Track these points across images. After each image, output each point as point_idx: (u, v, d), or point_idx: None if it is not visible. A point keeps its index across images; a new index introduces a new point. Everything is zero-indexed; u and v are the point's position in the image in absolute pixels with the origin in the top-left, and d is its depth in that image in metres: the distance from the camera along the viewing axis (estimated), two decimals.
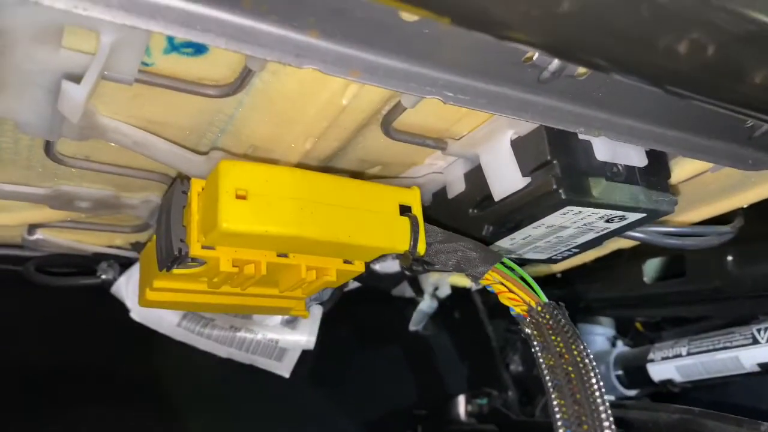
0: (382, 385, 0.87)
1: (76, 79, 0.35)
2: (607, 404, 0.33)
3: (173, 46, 0.36)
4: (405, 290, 0.86)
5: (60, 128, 0.40)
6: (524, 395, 0.90)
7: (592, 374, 0.34)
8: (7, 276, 0.67)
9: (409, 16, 0.31)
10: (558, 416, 0.33)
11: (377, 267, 0.72)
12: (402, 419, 0.87)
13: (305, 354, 0.69)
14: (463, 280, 0.88)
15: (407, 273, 0.76)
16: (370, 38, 0.32)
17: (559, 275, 0.84)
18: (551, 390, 0.34)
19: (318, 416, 0.80)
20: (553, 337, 0.36)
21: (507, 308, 0.98)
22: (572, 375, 0.34)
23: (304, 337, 0.66)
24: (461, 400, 0.88)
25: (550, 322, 0.37)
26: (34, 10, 0.29)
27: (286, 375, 0.68)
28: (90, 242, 0.63)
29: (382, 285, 0.82)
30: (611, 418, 0.32)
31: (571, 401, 0.33)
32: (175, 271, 0.43)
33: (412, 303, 0.89)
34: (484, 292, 0.93)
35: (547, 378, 0.35)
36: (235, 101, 0.40)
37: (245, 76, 0.37)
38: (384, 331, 0.90)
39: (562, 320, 0.37)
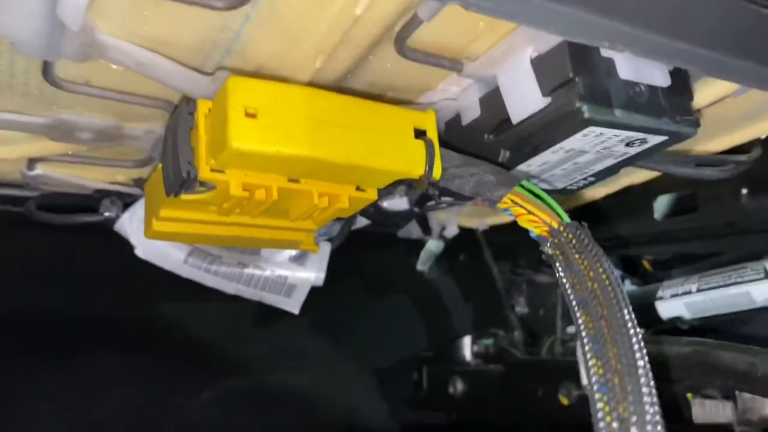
0: (387, 326, 0.87)
1: None
2: (635, 319, 0.32)
3: None
4: (412, 231, 0.85)
5: (58, 46, 0.38)
6: (530, 336, 0.90)
7: (618, 290, 0.33)
8: (8, 217, 0.66)
9: None
10: (584, 333, 0.32)
11: (386, 204, 0.71)
12: (407, 361, 0.88)
13: (313, 291, 0.69)
14: (470, 221, 0.88)
15: (415, 210, 0.75)
16: None
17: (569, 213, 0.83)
18: (576, 308, 0.33)
19: (324, 355, 0.80)
20: (576, 256, 0.35)
21: (512, 249, 0.97)
22: (598, 291, 0.33)
23: (312, 273, 0.66)
24: (467, 341, 0.88)
25: (573, 242, 0.36)
26: None
27: (296, 311, 0.68)
28: (91, 178, 0.61)
29: (390, 223, 0.81)
30: (639, 333, 0.31)
31: (598, 317, 0.32)
32: (183, 197, 0.42)
33: (419, 245, 0.88)
34: (490, 233, 0.92)
35: (571, 297, 0.34)
36: (241, 15, 0.38)
37: None
38: (390, 272, 0.89)
39: (586, 239, 0.36)
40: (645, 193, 0.75)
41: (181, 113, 0.40)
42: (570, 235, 0.37)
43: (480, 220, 0.88)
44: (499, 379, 0.83)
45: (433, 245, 0.84)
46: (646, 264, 0.89)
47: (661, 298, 0.78)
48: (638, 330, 0.32)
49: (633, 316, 0.33)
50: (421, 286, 0.91)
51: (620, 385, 0.31)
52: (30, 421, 0.66)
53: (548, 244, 0.37)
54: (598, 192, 0.76)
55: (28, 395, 0.66)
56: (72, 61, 0.41)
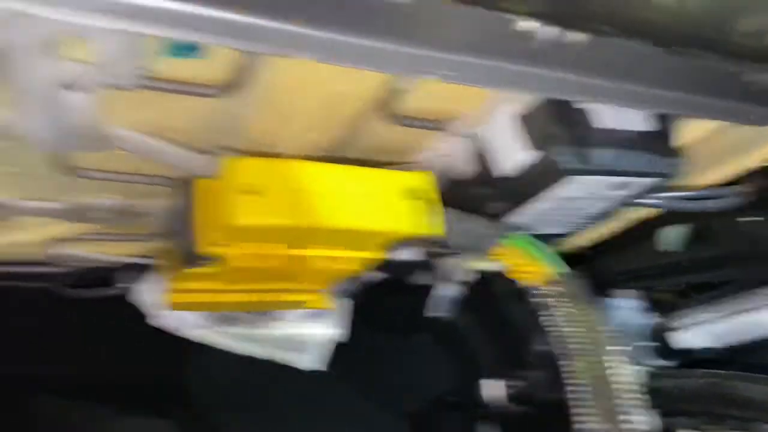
0: (412, 373, 0.87)
1: (78, 87, 0.35)
2: (629, 371, 0.33)
3: (171, 50, 0.36)
4: (426, 277, 0.86)
5: (69, 140, 0.41)
6: (554, 375, 0.90)
7: (606, 341, 0.34)
8: (34, 292, 0.69)
9: None
10: (571, 385, 0.33)
11: (396, 256, 0.72)
12: (434, 405, 0.88)
13: (337, 346, 0.70)
14: (482, 262, 0.88)
15: (426, 259, 0.77)
16: (361, 23, 0.33)
17: (581, 251, 0.84)
18: (572, 355, 0.34)
19: (353, 408, 0.81)
20: (568, 306, 0.37)
21: (532, 287, 0.97)
22: (587, 341, 0.34)
23: (333, 329, 0.67)
24: (492, 382, 0.88)
25: (565, 292, 0.37)
26: (30, 23, 0.30)
27: (319, 367, 0.69)
28: (109, 253, 0.64)
29: (403, 274, 0.83)
30: (632, 385, 0.32)
31: (587, 370, 0.33)
32: (194, 270, 0.44)
33: (431, 290, 0.89)
34: (503, 274, 0.93)
35: (565, 347, 0.35)
36: (235, 100, 0.41)
37: (244, 75, 0.38)
38: (410, 319, 0.90)
39: (577, 290, 0.37)
40: (656, 225, 0.76)
41: (186, 194, 0.43)
42: (560, 286, 0.38)
43: (494, 263, 0.89)
44: (527, 420, 0.83)
45: (446, 290, 0.85)
46: (664, 295, 0.89)
47: (680, 329, 0.78)
48: (630, 379, 0.33)
49: (623, 365, 0.33)
50: (442, 330, 0.91)
51: None
52: None
53: (541, 295, 0.39)
54: (609, 228, 0.77)
55: None
56: (82, 152, 0.44)
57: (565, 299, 0.36)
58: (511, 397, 0.86)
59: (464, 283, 0.87)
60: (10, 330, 0.70)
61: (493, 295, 0.92)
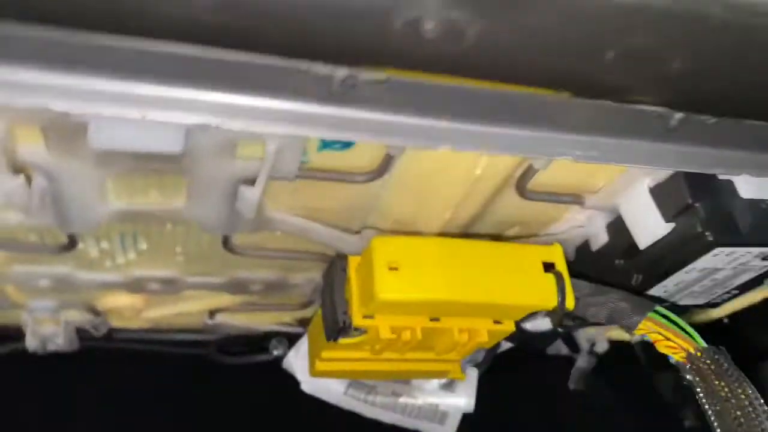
0: None
1: (249, 181, 0.41)
2: None
3: (325, 144, 0.41)
4: (560, 348, 0.85)
5: (236, 224, 0.47)
6: None
7: (763, 418, 0.33)
8: (191, 359, 0.75)
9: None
10: None
11: (528, 326, 0.72)
12: None
13: (465, 418, 0.70)
14: (621, 333, 0.86)
15: (560, 330, 0.76)
16: (496, 114, 0.35)
17: (725, 320, 0.79)
18: None
19: None
20: (716, 382, 0.36)
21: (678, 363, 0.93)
22: (741, 420, 0.33)
23: (463, 399, 0.68)
24: None
25: (712, 367, 0.37)
26: (215, 132, 0.35)
27: None
28: (261, 321, 0.70)
29: (536, 344, 0.82)
30: None
31: None
32: (341, 341, 0.47)
33: (569, 361, 0.87)
34: (647, 343, 0.89)
35: (716, 425, 0.34)
36: (379, 184, 0.45)
37: (387, 162, 0.42)
38: (542, 391, 0.88)
39: (725, 364, 0.37)
40: None
41: (335, 269, 0.47)
42: (708, 360, 0.37)
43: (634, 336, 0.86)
44: None
45: (583, 362, 0.83)
46: None
47: None
48: None
49: None
50: (577, 403, 0.89)
51: None
52: None
53: (687, 371, 0.38)
54: (755, 296, 0.73)
55: None
56: (246, 233, 0.49)
57: (714, 375, 0.36)
58: None
59: (596, 354, 0.85)
60: (166, 394, 0.77)
61: (631, 366, 0.89)
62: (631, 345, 0.88)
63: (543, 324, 0.72)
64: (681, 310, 0.46)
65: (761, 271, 0.48)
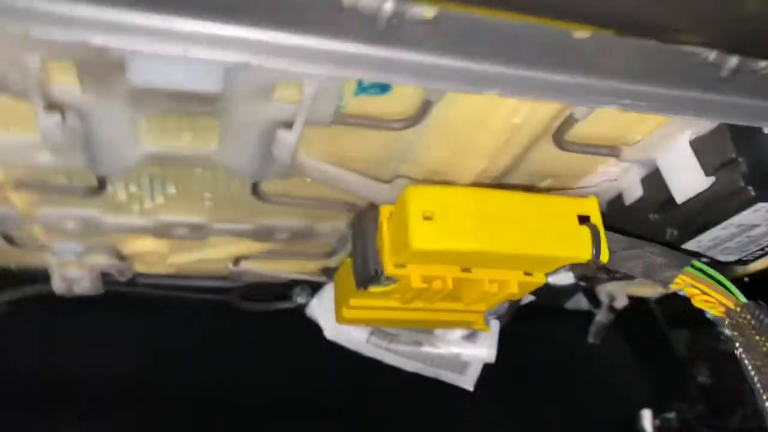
0: (560, 400, 0.86)
1: (285, 125, 0.40)
2: None
3: (362, 88, 0.40)
4: (580, 302, 0.85)
5: (267, 170, 0.46)
6: (715, 409, 0.85)
7: None
8: (213, 304, 0.76)
9: (580, 33, 0.33)
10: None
11: (551, 279, 0.72)
12: None
13: (485, 368, 0.71)
14: (640, 290, 0.86)
15: (582, 284, 0.76)
16: (544, 58, 0.34)
17: (746, 279, 0.79)
18: (761, 391, 0.33)
19: (497, 429, 0.81)
20: (756, 337, 0.35)
21: (690, 317, 0.93)
22: None
23: (484, 350, 0.68)
24: (647, 414, 0.85)
25: (752, 322, 0.36)
26: (255, 72, 0.34)
27: (470, 388, 0.70)
28: (285, 269, 0.70)
29: (557, 298, 0.82)
30: None
31: None
32: (371, 289, 0.47)
33: (588, 315, 0.87)
34: (664, 300, 0.89)
35: (756, 379, 0.34)
36: (415, 132, 0.44)
37: (425, 108, 0.41)
38: (560, 344, 0.89)
39: (766, 320, 0.36)
40: None
41: (367, 218, 0.46)
42: (748, 316, 0.37)
43: (653, 289, 0.86)
44: None
45: (603, 317, 0.83)
46: None
47: None
48: None
49: None
50: (593, 358, 0.89)
51: None
52: None
53: (726, 326, 0.38)
54: None
55: None
56: (275, 180, 0.49)
57: (754, 330, 0.35)
58: (660, 430, 0.83)
59: (615, 309, 0.85)
60: (191, 337, 0.78)
61: (648, 322, 0.89)
62: (649, 300, 0.88)
63: (566, 278, 0.72)
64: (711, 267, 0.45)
65: None
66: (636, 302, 0.86)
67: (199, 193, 0.53)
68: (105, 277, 0.68)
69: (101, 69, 0.35)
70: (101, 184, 0.49)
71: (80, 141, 0.41)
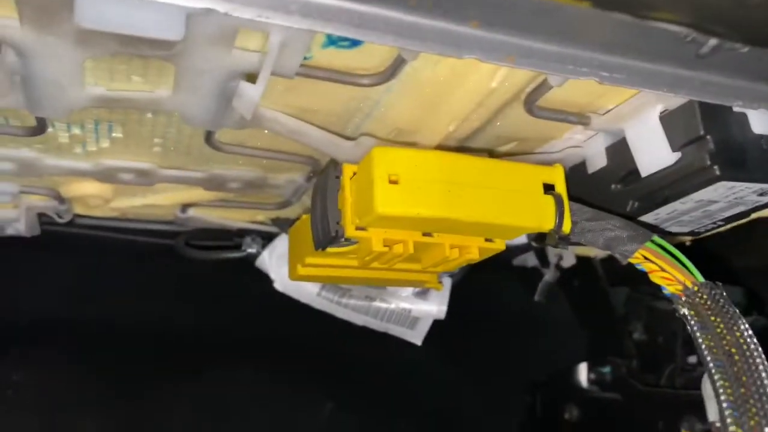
0: (503, 353, 0.88)
1: (246, 76, 0.37)
2: None
3: (331, 41, 0.37)
4: (527, 260, 0.86)
5: (223, 120, 0.44)
6: (648, 364, 0.89)
7: (756, 355, 0.34)
8: (159, 249, 0.73)
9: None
10: (723, 398, 0.33)
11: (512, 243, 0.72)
12: (522, 386, 0.89)
13: (435, 323, 0.72)
14: (587, 251, 0.87)
15: (534, 244, 0.76)
16: (526, 25, 0.33)
17: (687, 243, 0.81)
18: (713, 371, 0.34)
19: (444, 382, 0.83)
20: (712, 318, 0.36)
21: (630, 276, 0.96)
22: (736, 357, 0.34)
23: (435, 307, 0.69)
24: (583, 367, 0.88)
25: (708, 302, 0.37)
26: (217, 19, 0.31)
27: (418, 343, 0.71)
28: (235, 218, 0.68)
29: (506, 255, 0.83)
30: None
31: (736, 384, 0.33)
32: (329, 249, 0.46)
33: (534, 272, 0.89)
34: (607, 259, 0.92)
35: (708, 359, 0.35)
36: (384, 89, 0.42)
37: (397, 66, 0.39)
38: (506, 300, 0.91)
39: (721, 300, 0.37)
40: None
41: (329, 176, 0.44)
42: (704, 296, 0.37)
43: (598, 250, 0.88)
44: (616, 409, 0.83)
45: (550, 276, 0.85)
46: None
47: None
48: None
49: None
50: (537, 313, 0.91)
51: None
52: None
53: (681, 303, 0.38)
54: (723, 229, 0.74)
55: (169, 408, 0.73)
56: (231, 129, 0.46)
57: (710, 311, 0.36)
58: (595, 383, 0.86)
59: (562, 268, 0.87)
60: (133, 280, 0.76)
61: (589, 280, 0.91)
62: (592, 260, 0.90)
63: (519, 238, 0.72)
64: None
65: (753, 206, 0.48)
66: (580, 260, 0.88)
67: (148, 138, 0.49)
68: (42, 218, 0.64)
69: (44, 3, 0.31)
70: (40, 125, 0.45)
71: (18, 80, 0.37)
